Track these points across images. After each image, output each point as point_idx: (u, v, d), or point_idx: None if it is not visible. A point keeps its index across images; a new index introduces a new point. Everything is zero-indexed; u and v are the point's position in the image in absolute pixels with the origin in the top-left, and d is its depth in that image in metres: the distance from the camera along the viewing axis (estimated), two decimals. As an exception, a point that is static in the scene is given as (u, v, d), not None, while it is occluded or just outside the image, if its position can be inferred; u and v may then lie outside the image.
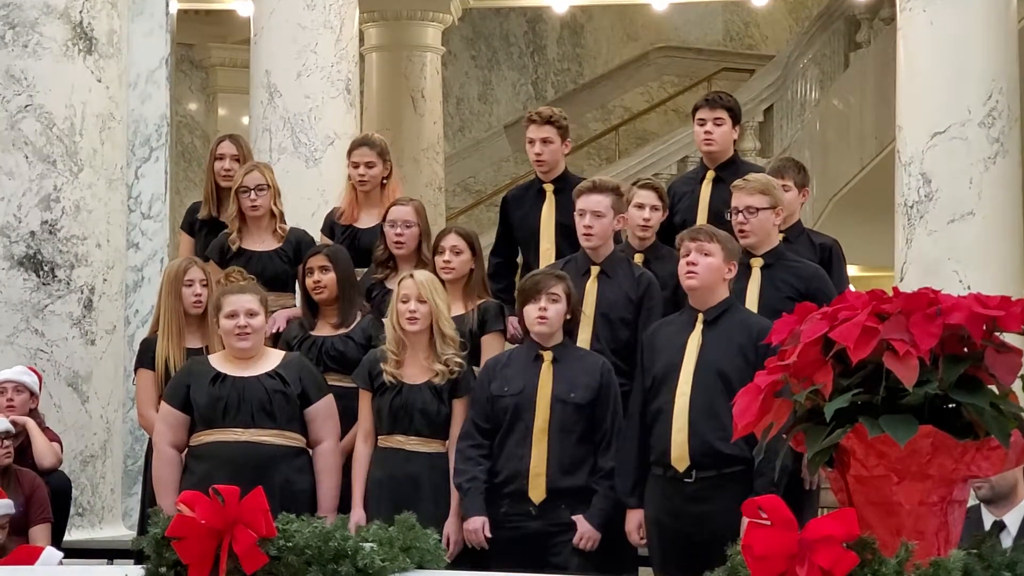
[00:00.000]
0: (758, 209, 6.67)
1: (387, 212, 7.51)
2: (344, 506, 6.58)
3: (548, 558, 6.37)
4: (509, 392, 6.51)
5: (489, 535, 6.44)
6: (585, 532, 6.40)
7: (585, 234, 6.90)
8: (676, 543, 6.17)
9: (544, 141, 7.52)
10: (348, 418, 6.85)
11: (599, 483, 6.43)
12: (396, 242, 7.42)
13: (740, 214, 6.68)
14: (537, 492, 6.42)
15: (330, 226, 7.98)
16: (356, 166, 7.88)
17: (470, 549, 6.54)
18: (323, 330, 7.21)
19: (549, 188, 7.50)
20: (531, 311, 6.50)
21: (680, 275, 6.34)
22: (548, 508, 6.42)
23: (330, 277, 7.18)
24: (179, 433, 6.60)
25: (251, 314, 6.61)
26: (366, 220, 7.85)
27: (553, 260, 7.20)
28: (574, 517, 6.41)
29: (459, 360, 6.68)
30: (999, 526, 6.17)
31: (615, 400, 6.49)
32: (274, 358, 6.70)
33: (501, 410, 6.51)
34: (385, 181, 7.93)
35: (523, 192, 7.78)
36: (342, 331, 7.17)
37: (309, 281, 7.21)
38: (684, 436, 6.14)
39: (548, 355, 6.52)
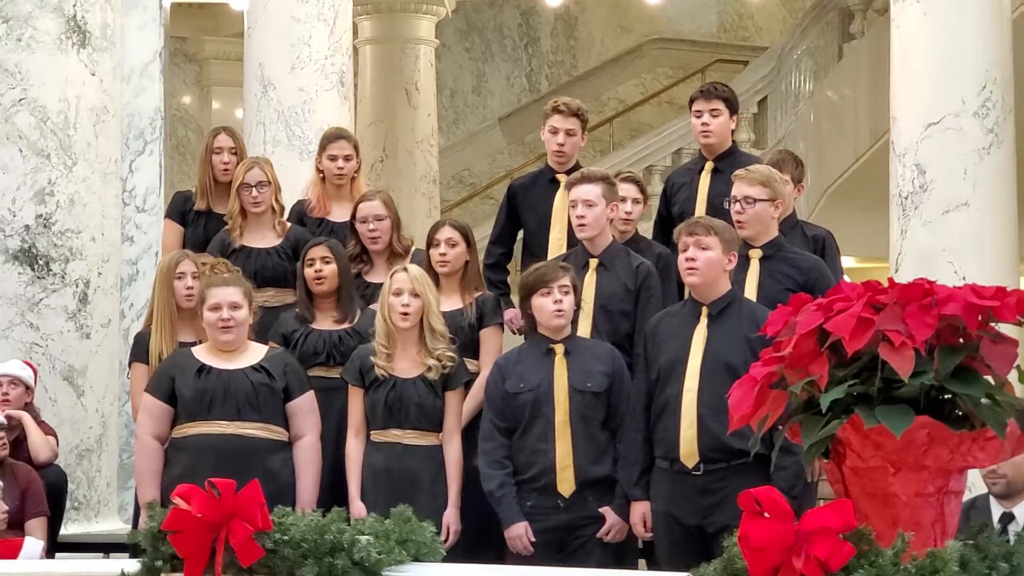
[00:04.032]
0: (756, 200, 6.65)
1: (355, 208, 7.50)
2: (338, 501, 6.56)
3: (572, 550, 6.37)
4: (526, 388, 6.48)
5: (533, 539, 6.43)
6: (614, 524, 6.40)
7: (579, 224, 6.89)
8: (686, 535, 6.15)
9: (568, 132, 7.51)
10: (345, 413, 6.85)
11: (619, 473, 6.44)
12: (371, 238, 7.43)
13: (738, 203, 6.66)
14: (566, 485, 6.41)
15: (299, 217, 7.97)
16: (335, 159, 7.91)
17: (471, 538, 6.55)
18: (324, 324, 7.20)
19: (563, 179, 7.46)
20: (547, 304, 6.46)
21: (680, 271, 6.30)
22: (576, 500, 6.41)
23: (332, 268, 7.18)
24: (162, 425, 6.58)
25: (234, 307, 6.60)
26: (338, 213, 7.89)
27: (564, 250, 7.19)
28: (601, 509, 6.41)
29: (450, 354, 6.68)
30: (1008, 517, 6.18)
31: (628, 386, 6.49)
32: (258, 352, 6.69)
33: (518, 407, 6.48)
34: (355, 175, 7.97)
35: (532, 181, 7.74)
36: (346, 325, 7.17)
37: (310, 272, 7.20)
38: (693, 432, 6.11)
39: (560, 348, 6.50)
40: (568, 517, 6.42)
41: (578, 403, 6.44)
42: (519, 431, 6.49)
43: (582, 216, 6.86)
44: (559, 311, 6.46)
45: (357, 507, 6.48)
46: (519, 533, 6.42)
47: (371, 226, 7.42)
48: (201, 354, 6.65)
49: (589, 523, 6.42)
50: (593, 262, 6.88)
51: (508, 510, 6.45)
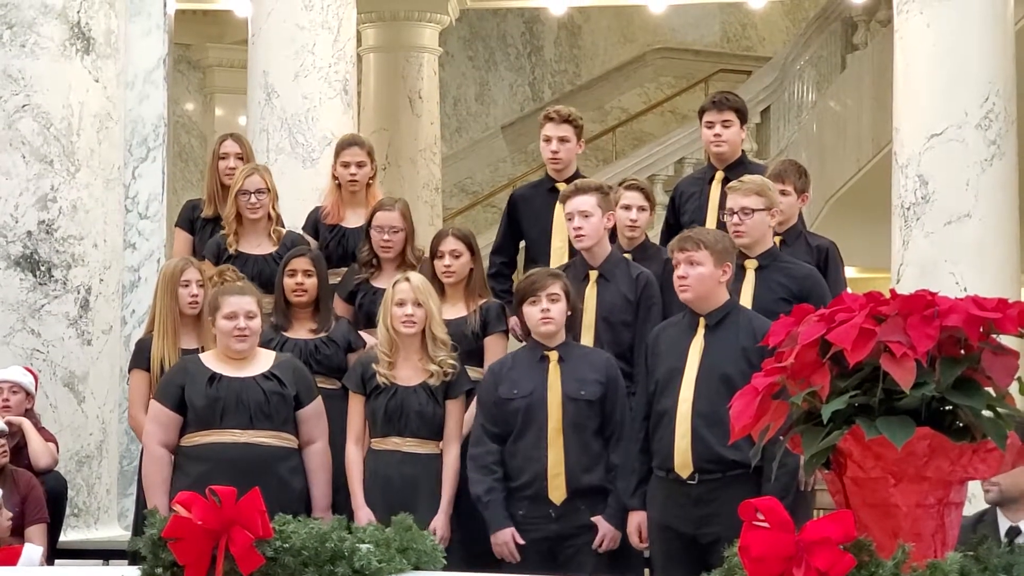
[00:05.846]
0: (754, 210, 6.66)
1: (372, 215, 7.52)
2: (339, 508, 6.57)
3: (565, 559, 6.36)
4: (519, 394, 6.48)
5: (521, 542, 6.42)
6: (607, 532, 6.40)
7: (577, 236, 6.90)
8: (681, 545, 6.15)
9: (561, 140, 7.55)
10: (330, 420, 6.84)
11: (613, 482, 6.43)
12: (383, 247, 7.45)
13: (736, 215, 6.68)
14: (557, 493, 6.41)
15: (314, 225, 8.01)
16: (347, 166, 7.94)
17: (466, 550, 6.54)
18: (300, 333, 7.23)
19: (563, 188, 7.45)
20: (533, 313, 6.49)
21: (675, 288, 6.31)
22: (568, 509, 6.40)
23: (312, 282, 7.22)
24: (171, 433, 6.56)
25: (250, 316, 6.60)
26: (353, 220, 7.91)
27: (566, 259, 7.20)
28: (594, 519, 6.40)
29: (452, 362, 6.69)
30: (1015, 531, 6.15)
31: (623, 394, 6.49)
32: (266, 358, 6.69)
33: (511, 413, 6.48)
34: (371, 181, 7.99)
35: (532, 191, 7.77)
36: (322, 334, 7.18)
37: (291, 282, 7.22)
38: (687, 442, 6.11)
39: (554, 355, 6.51)
40: (559, 527, 6.41)
41: (571, 411, 6.44)
42: (512, 437, 6.49)
43: (579, 228, 6.87)
44: (545, 319, 6.47)
45: (363, 514, 6.47)
46: (506, 539, 6.42)
47: (386, 236, 7.46)
48: (210, 362, 6.63)
49: (581, 532, 6.41)
50: (593, 274, 6.89)
51: (495, 515, 6.44)
